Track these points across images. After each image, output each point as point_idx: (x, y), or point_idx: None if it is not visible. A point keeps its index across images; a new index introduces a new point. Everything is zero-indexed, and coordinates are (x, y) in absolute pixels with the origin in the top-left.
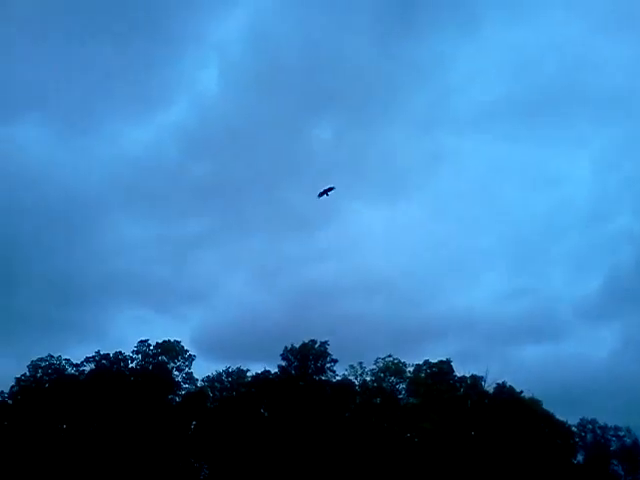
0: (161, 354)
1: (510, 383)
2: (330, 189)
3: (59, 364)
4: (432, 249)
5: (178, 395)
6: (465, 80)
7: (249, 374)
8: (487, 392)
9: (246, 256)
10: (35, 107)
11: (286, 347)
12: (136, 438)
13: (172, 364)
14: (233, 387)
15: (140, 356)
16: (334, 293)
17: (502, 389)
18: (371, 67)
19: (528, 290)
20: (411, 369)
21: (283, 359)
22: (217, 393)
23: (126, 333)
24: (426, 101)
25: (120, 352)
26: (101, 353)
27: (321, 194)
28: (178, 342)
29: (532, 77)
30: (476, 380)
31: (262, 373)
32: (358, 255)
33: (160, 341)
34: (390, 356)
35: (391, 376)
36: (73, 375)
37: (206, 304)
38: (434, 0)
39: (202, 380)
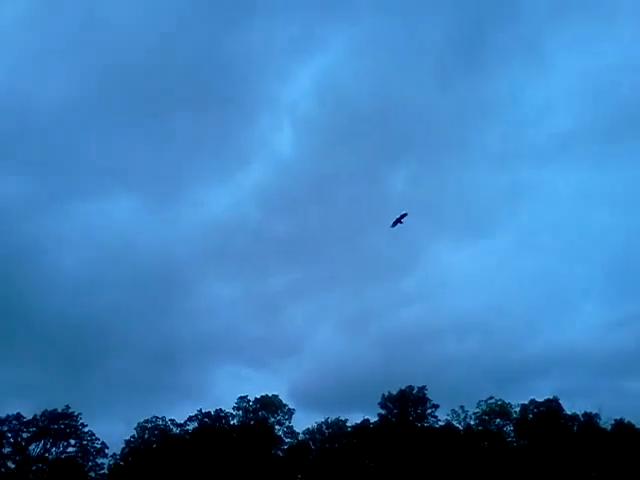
0: (261, 409)
1: (628, 419)
2: (403, 216)
3: (164, 425)
4: (524, 284)
5: (281, 449)
6: (538, 111)
7: (348, 424)
8: (604, 430)
9: (334, 306)
10: (124, 181)
11: (383, 395)
12: None
13: (272, 418)
14: (334, 438)
15: (241, 412)
16: (427, 337)
17: (621, 426)
18: (440, 109)
19: (634, 317)
20: (517, 409)
21: (382, 407)
22: (318, 445)
23: (225, 390)
24: (500, 136)
25: (220, 409)
26: (203, 411)
27: (395, 223)
28: (276, 396)
29: (610, 100)
30: (590, 417)
31: (362, 422)
32: (447, 296)
33: (259, 396)
34: (492, 398)
35: (496, 418)
36: (178, 434)
37: (300, 356)
38: (496, 36)
39: (303, 433)
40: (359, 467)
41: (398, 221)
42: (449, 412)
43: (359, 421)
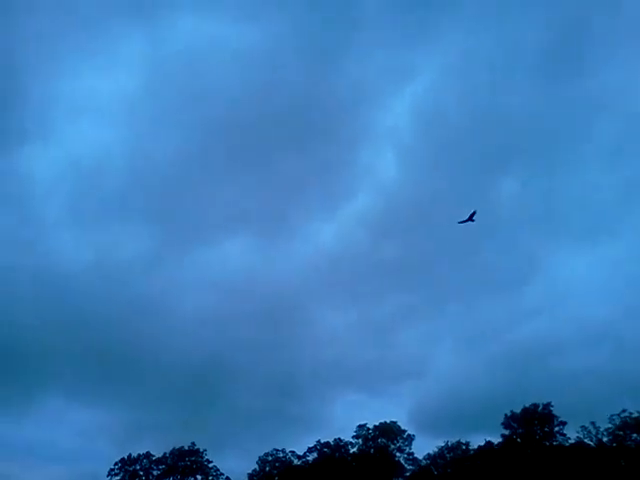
0: (380, 436)
1: None
2: (473, 214)
3: (284, 457)
4: None
5: (403, 476)
6: None
7: (471, 447)
8: None
9: (450, 325)
10: (238, 225)
11: (506, 414)
12: None
13: (392, 445)
14: (457, 462)
15: (360, 440)
16: (550, 351)
17: None
18: (545, 112)
19: None
20: None
21: (505, 427)
22: (441, 470)
23: (344, 419)
24: (613, 132)
25: (339, 439)
26: (322, 442)
27: (465, 221)
28: (395, 422)
29: None
30: None
31: (485, 444)
32: (571, 306)
33: (377, 424)
34: (625, 411)
35: (633, 433)
36: (299, 466)
37: (418, 380)
38: (597, 28)
39: (424, 458)
40: None
41: (469, 219)
42: (578, 429)
43: (482, 443)
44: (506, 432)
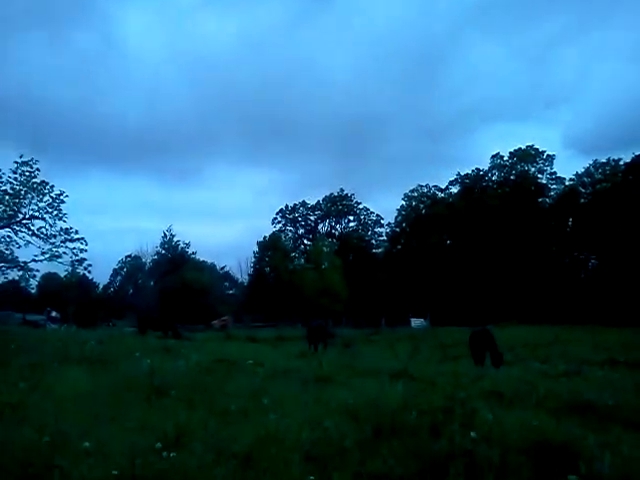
0: (518, 162)
1: None
2: None
3: (428, 191)
4: None
5: (548, 197)
6: None
7: (622, 163)
8: None
9: (612, 46)
10: None
11: None
12: (514, 243)
13: (532, 168)
14: (606, 179)
15: (496, 170)
16: None
17: None
18: None
19: None
20: None
21: None
22: (590, 187)
23: (488, 151)
24: None
25: (478, 169)
26: (462, 174)
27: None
28: (531, 146)
29: None
30: None
31: (635, 158)
32: None
33: (512, 150)
34: None
35: None
36: (443, 198)
37: (572, 103)
38: None
39: (569, 179)
40: (634, 205)
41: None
42: None
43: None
44: None
